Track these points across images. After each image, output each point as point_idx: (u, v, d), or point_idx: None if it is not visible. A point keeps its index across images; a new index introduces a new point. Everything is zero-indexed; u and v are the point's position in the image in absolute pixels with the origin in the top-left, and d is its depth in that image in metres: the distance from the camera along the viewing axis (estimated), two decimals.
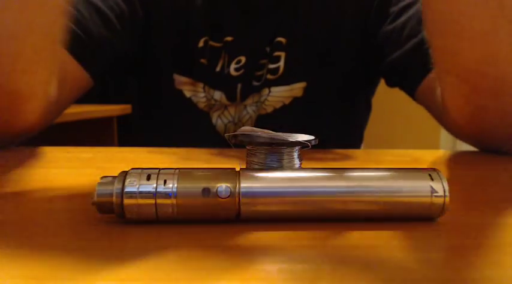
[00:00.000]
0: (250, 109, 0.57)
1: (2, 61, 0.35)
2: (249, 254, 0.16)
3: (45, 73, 0.38)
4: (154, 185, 0.18)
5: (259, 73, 0.56)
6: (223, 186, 0.18)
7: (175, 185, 0.18)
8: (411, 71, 0.51)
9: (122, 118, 1.36)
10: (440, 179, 0.19)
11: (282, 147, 0.20)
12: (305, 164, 0.21)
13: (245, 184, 0.18)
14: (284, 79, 0.56)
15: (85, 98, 0.55)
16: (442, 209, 0.19)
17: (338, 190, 0.19)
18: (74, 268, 0.15)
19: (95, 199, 0.18)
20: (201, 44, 0.56)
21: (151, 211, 0.18)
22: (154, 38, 0.57)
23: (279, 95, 0.56)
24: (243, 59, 0.55)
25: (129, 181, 0.18)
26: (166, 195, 0.18)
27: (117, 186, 0.18)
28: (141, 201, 0.18)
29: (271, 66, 0.56)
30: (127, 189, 0.18)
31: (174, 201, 0.18)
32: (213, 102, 0.57)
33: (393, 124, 2.18)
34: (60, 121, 1.04)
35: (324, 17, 0.57)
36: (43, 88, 0.39)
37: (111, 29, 0.52)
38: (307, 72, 0.56)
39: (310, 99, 0.57)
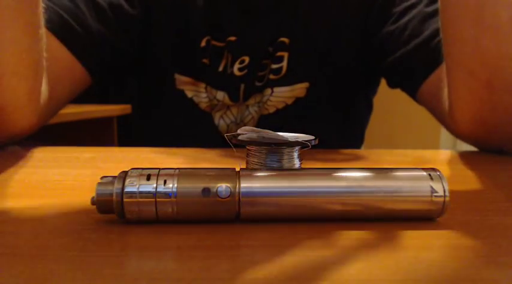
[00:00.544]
0: (252, 109, 0.57)
1: None
2: (249, 254, 0.16)
3: (29, 84, 0.37)
4: (154, 185, 0.18)
5: (262, 73, 0.56)
6: (223, 186, 0.18)
7: (175, 185, 0.18)
8: (413, 71, 0.50)
9: (122, 118, 1.36)
10: (440, 179, 0.19)
11: (282, 147, 0.20)
12: (305, 164, 0.21)
13: (245, 184, 0.18)
14: (287, 80, 0.56)
15: (85, 98, 0.55)
16: (442, 209, 0.19)
17: (338, 190, 0.19)
18: (74, 267, 0.15)
19: (95, 199, 0.18)
20: (203, 43, 0.55)
21: (151, 211, 0.18)
22: (154, 37, 0.57)
23: (281, 95, 0.56)
24: (246, 59, 0.55)
25: (129, 181, 0.18)
26: (166, 195, 0.18)
27: (117, 186, 0.18)
28: (141, 201, 0.18)
29: (274, 66, 0.55)
30: (127, 189, 0.18)
31: (174, 201, 0.18)
32: (215, 102, 0.57)
33: (393, 124, 2.18)
34: (60, 121, 1.05)
35: (324, 16, 0.57)
36: (28, 98, 0.38)
37: (109, 25, 0.52)
38: (310, 72, 0.56)
39: (312, 99, 0.56)
